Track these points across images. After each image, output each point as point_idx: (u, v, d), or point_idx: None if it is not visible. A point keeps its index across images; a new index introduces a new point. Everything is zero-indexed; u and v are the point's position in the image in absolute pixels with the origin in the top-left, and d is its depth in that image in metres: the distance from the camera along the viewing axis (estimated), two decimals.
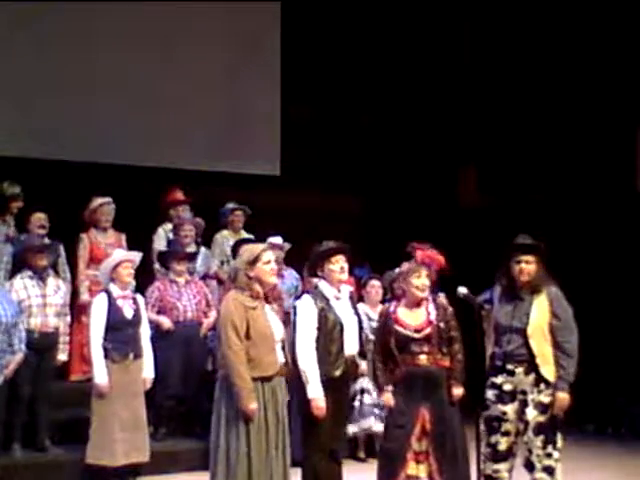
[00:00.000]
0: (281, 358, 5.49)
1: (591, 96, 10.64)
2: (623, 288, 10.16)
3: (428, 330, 5.89)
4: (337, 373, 5.83)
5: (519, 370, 5.82)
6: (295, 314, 5.97)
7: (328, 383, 5.77)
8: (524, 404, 5.82)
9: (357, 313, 6.19)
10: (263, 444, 5.27)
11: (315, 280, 6.11)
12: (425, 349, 5.87)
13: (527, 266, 5.89)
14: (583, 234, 10.48)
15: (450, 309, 6.07)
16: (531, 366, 5.80)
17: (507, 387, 5.84)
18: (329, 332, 5.83)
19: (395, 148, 11.72)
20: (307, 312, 5.87)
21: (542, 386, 5.81)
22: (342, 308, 5.98)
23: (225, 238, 9.06)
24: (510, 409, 5.82)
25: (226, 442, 5.30)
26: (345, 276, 6.04)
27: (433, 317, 5.96)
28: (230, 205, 9.28)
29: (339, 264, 5.94)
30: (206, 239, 9.11)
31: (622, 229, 10.30)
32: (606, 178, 10.55)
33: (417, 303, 5.98)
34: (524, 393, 5.82)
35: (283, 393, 5.45)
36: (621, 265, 10.27)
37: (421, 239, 8.00)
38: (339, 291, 6.01)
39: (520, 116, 11.25)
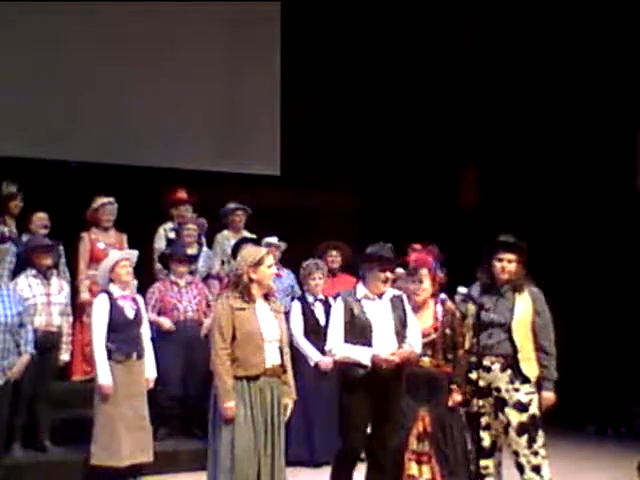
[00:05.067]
0: (276, 359, 5.52)
1: (591, 96, 10.64)
2: (623, 288, 10.17)
3: (433, 336, 5.88)
4: (360, 373, 5.67)
5: (495, 366, 5.86)
6: (288, 314, 6.01)
7: (356, 384, 5.68)
8: (501, 402, 5.85)
9: (399, 316, 5.89)
10: (248, 443, 5.33)
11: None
12: (428, 352, 5.87)
13: (508, 265, 5.96)
14: (583, 234, 10.48)
15: (457, 314, 6.02)
16: (509, 362, 5.85)
17: (481, 383, 5.85)
18: (357, 333, 5.70)
19: (396, 148, 11.72)
20: (338, 311, 5.79)
21: (517, 383, 5.84)
22: (376, 309, 5.81)
23: (226, 238, 9.05)
24: (486, 402, 5.86)
25: (216, 443, 5.44)
26: (386, 288, 5.87)
27: (440, 322, 5.94)
28: (231, 205, 9.27)
29: (385, 274, 5.80)
30: (207, 239, 9.13)
31: (622, 229, 10.30)
32: (606, 178, 10.55)
33: (420, 305, 5.97)
34: (498, 390, 5.86)
35: (275, 394, 5.47)
36: (621, 265, 10.27)
37: (421, 239, 8.00)
38: (377, 294, 5.84)
39: (521, 116, 11.24)
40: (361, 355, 5.67)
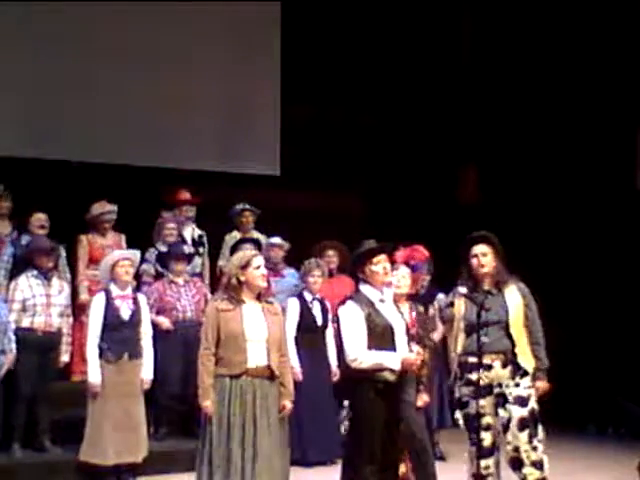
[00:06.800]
0: (262, 360, 5.53)
1: (592, 95, 10.64)
2: (623, 287, 10.17)
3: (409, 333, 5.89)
4: (392, 378, 5.45)
5: (496, 363, 5.85)
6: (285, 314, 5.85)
7: (383, 390, 5.44)
8: (502, 398, 5.85)
9: (402, 315, 5.79)
10: (223, 442, 5.43)
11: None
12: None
13: (483, 258, 5.96)
14: (583, 233, 10.49)
15: (429, 317, 6.02)
16: (508, 357, 5.86)
17: (483, 382, 5.83)
18: (380, 337, 5.45)
19: (395, 147, 11.72)
20: (354, 317, 5.47)
21: (518, 378, 5.85)
22: (389, 311, 5.60)
23: (234, 239, 9.07)
24: (486, 402, 5.85)
25: (199, 441, 5.59)
26: (389, 278, 5.70)
27: (413, 321, 5.96)
28: (239, 206, 9.31)
29: (381, 264, 5.55)
30: (210, 239, 9.16)
31: (622, 227, 10.30)
32: (606, 177, 10.55)
33: (397, 300, 5.92)
34: (500, 386, 5.86)
35: (258, 394, 5.49)
36: (621, 264, 10.27)
37: (422, 238, 8.05)
38: (383, 293, 5.62)
39: (521, 115, 11.25)
40: (390, 360, 5.42)
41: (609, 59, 10.56)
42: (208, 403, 5.47)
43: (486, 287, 5.95)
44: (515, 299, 5.95)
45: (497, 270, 5.96)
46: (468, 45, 12.13)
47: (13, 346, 7.00)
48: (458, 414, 6.00)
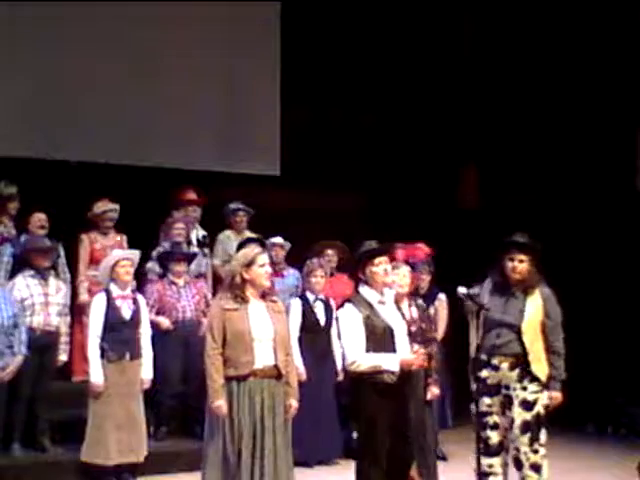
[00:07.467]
0: (269, 360, 5.50)
1: (592, 96, 10.64)
2: (623, 287, 10.16)
3: (412, 329, 5.89)
4: (391, 380, 5.42)
5: (504, 365, 5.87)
6: (288, 314, 5.84)
7: (384, 391, 5.43)
8: (508, 400, 5.87)
9: (403, 315, 5.80)
10: (236, 443, 5.39)
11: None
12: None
13: (520, 265, 5.96)
14: (583, 233, 10.48)
15: (430, 312, 6.04)
16: (518, 361, 5.86)
17: (490, 381, 5.87)
18: (379, 339, 5.43)
19: (395, 148, 11.72)
20: (352, 320, 5.46)
21: (526, 382, 5.86)
22: (388, 312, 5.57)
23: (228, 238, 9.07)
24: (494, 401, 5.88)
25: (206, 443, 5.53)
26: (390, 279, 5.68)
27: (415, 316, 5.97)
28: (232, 205, 9.30)
29: (382, 266, 5.54)
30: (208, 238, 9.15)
31: (622, 228, 10.30)
32: (606, 178, 10.54)
33: (398, 299, 5.93)
34: (507, 388, 5.88)
35: (266, 396, 5.46)
36: (621, 264, 10.27)
37: (422, 239, 8.05)
38: (382, 294, 5.59)
39: (521, 116, 11.25)
40: (388, 362, 5.40)
41: (609, 59, 10.55)
42: (220, 403, 5.39)
43: (512, 289, 5.95)
44: (535, 305, 5.94)
45: (529, 277, 5.96)
46: (469, 46, 12.12)
47: (23, 348, 6.98)
48: (473, 407, 5.98)
